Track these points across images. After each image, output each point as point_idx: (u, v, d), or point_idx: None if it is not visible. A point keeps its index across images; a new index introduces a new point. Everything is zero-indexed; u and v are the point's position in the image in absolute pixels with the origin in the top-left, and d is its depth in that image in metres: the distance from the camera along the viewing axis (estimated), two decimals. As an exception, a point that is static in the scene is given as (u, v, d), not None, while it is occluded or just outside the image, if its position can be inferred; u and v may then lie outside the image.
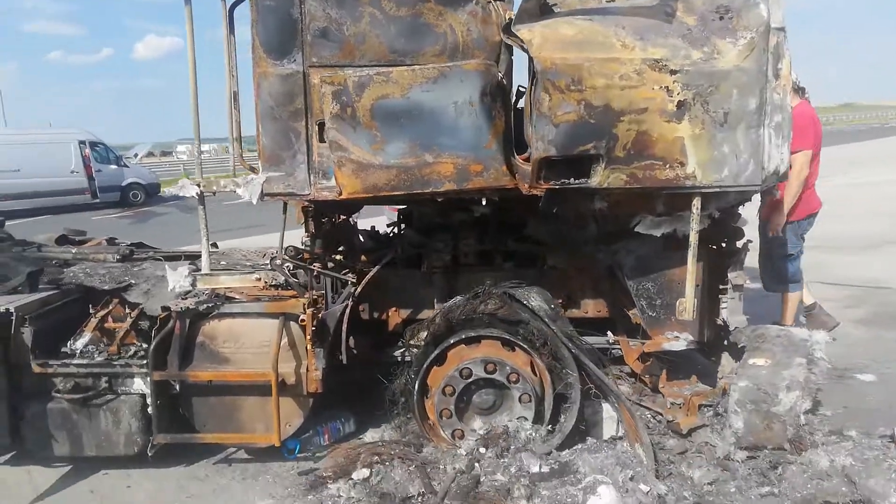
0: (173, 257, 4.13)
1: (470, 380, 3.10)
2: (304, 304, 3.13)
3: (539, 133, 2.70)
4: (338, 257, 3.96)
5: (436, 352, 3.14)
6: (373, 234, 4.27)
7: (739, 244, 3.59)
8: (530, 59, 2.69)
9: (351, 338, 3.73)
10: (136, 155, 28.03)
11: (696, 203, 2.95)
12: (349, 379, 3.55)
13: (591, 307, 3.79)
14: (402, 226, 3.99)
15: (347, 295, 3.36)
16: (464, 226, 3.74)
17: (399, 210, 4.03)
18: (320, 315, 3.17)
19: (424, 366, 3.15)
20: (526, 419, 3.10)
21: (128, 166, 18.51)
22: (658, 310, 3.42)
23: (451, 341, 3.14)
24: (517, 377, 3.08)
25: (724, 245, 3.62)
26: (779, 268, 4.55)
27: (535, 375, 3.16)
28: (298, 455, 3.35)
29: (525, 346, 3.12)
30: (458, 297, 3.31)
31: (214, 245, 4.58)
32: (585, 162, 2.77)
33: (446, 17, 2.87)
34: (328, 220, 3.81)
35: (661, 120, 2.75)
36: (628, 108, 2.71)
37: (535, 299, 3.22)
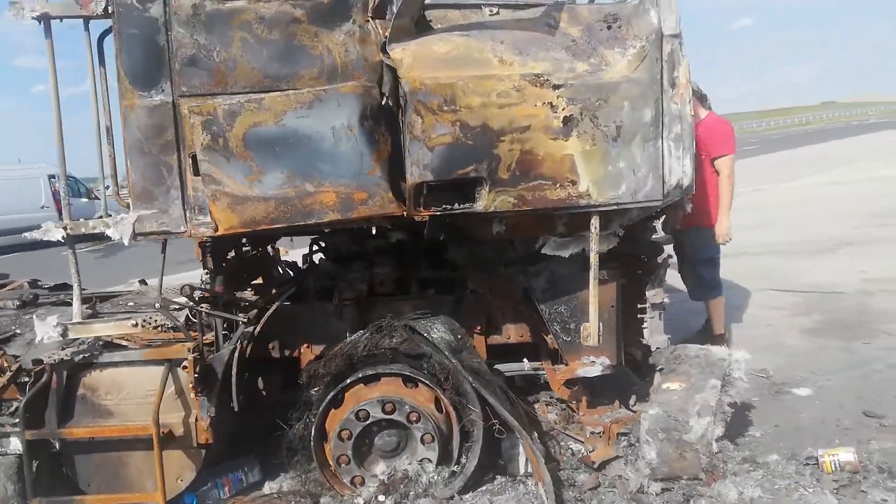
0: (86, 299, 3.91)
1: (367, 422, 2.89)
2: (189, 349, 2.92)
3: (413, 158, 2.53)
4: (248, 293, 3.77)
5: (332, 393, 2.94)
6: (292, 265, 4.08)
7: (659, 259, 3.46)
8: (399, 81, 2.53)
9: (260, 379, 3.52)
10: (107, 187, 27.57)
11: (595, 222, 2.80)
12: (259, 424, 3.34)
13: (514, 332, 3.60)
14: (316, 255, 3.81)
15: (241, 335, 3.15)
16: (379, 253, 3.56)
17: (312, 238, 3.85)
18: (207, 359, 2.96)
19: (321, 408, 2.94)
20: (429, 461, 2.90)
21: (98, 198, 18.10)
22: (573, 334, 3.24)
23: (348, 381, 2.94)
24: (418, 416, 2.89)
25: (642, 261, 3.49)
26: (706, 275, 4.44)
27: (442, 413, 2.97)
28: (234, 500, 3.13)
29: (428, 382, 2.94)
30: (361, 332, 3.13)
31: (143, 282, 4.37)
32: (468, 185, 2.61)
33: (322, 38, 2.70)
34: (235, 253, 3.63)
35: (546, 138, 2.60)
36: (509, 126, 2.55)
37: (437, 331, 3.04)
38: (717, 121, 4.41)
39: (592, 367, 3.19)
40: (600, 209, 2.75)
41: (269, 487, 3.15)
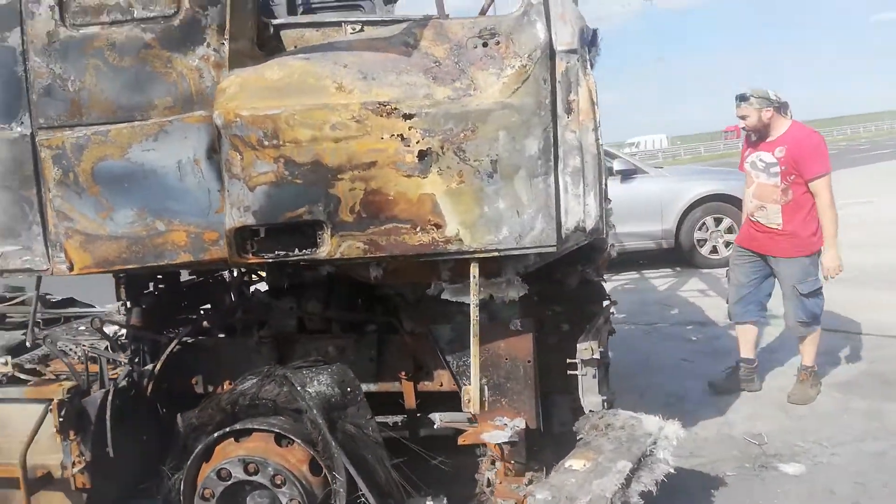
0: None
1: (229, 482, 2.64)
2: (64, 389, 2.79)
3: (233, 199, 2.24)
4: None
5: (200, 445, 2.71)
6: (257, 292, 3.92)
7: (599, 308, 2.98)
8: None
9: (179, 416, 3.37)
10: None
11: (474, 270, 2.40)
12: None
13: (445, 379, 3.23)
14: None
15: (128, 375, 2.99)
16: (311, 287, 3.30)
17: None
18: (79, 401, 2.82)
19: (190, 461, 2.72)
20: (295, 528, 2.60)
21: None
22: (485, 391, 2.83)
23: (215, 435, 2.70)
24: (283, 479, 2.60)
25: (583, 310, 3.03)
26: (810, 309, 3.94)
27: (319, 476, 2.66)
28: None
29: (301, 442, 2.64)
30: (251, 377, 2.88)
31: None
32: (307, 229, 2.28)
33: (175, 64, 2.47)
34: (161, 284, 3.50)
35: (398, 175, 2.23)
36: (348, 163, 2.20)
37: (320, 382, 2.73)
38: (805, 133, 3.96)
39: (501, 431, 2.76)
40: (476, 256, 2.35)
41: (147, 540, 2.97)
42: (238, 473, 2.62)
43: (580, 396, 2.89)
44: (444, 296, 2.73)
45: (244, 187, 2.22)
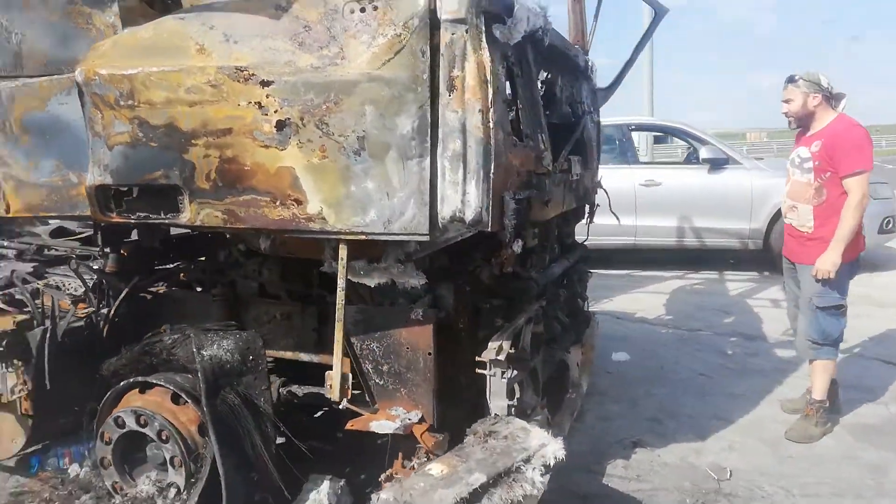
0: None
1: (124, 430, 2.74)
2: (15, 321, 3.02)
3: (95, 157, 2.25)
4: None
5: (109, 393, 2.83)
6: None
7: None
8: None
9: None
10: None
11: (342, 252, 2.27)
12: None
13: None
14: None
15: (79, 316, 3.17)
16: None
17: None
18: (26, 334, 3.03)
19: (101, 405, 2.85)
20: (176, 486, 2.66)
21: None
22: (385, 378, 2.72)
23: (121, 384, 2.80)
24: (168, 436, 2.65)
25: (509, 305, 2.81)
26: (825, 324, 3.47)
27: (206, 437, 2.69)
28: (41, 473, 3.28)
29: (192, 403, 2.68)
30: (170, 332, 2.96)
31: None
32: (170, 193, 2.26)
33: (94, 20, 2.52)
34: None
35: (255, 145, 2.14)
36: (202, 129, 2.14)
37: (220, 346, 2.73)
38: (847, 126, 3.43)
39: (391, 421, 2.64)
40: (343, 237, 2.22)
41: (73, 470, 3.17)
42: (131, 423, 2.72)
43: (487, 398, 2.70)
44: (350, 276, 2.62)
45: (104, 146, 2.24)
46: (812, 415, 3.48)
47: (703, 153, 7.67)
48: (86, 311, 3.21)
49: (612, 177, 7.86)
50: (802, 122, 3.56)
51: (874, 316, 5.77)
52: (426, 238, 2.19)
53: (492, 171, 2.16)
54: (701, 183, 7.69)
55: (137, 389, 2.80)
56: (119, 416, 2.74)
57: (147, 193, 2.28)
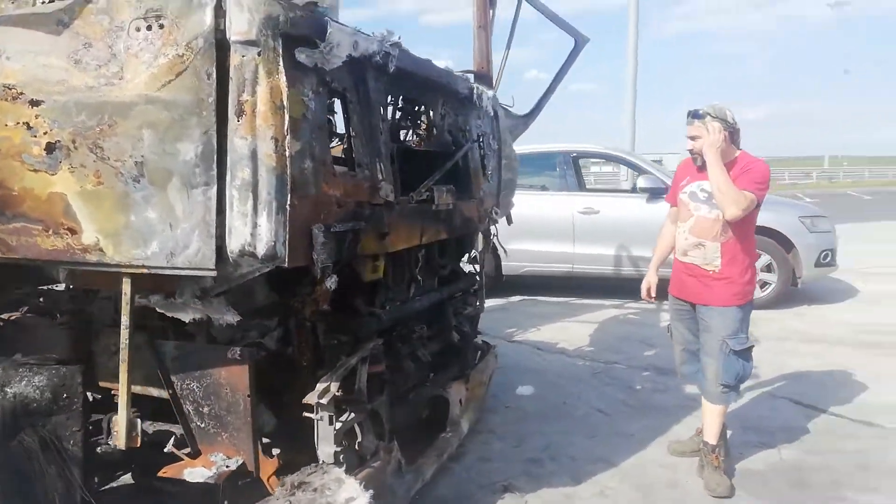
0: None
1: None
2: None
3: None
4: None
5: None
6: None
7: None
8: None
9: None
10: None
11: (126, 287, 2.10)
12: None
13: None
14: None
15: None
16: None
17: None
18: None
19: None
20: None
21: None
22: (206, 420, 2.54)
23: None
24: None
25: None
26: (739, 367, 3.30)
27: None
28: None
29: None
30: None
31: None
32: None
33: None
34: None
35: (22, 168, 1.99)
36: None
37: (30, 382, 2.53)
38: (754, 160, 3.29)
39: (206, 469, 2.46)
40: (123, 270, 2.06)
41: None
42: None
43: (315, 443, 2.53)
44: (159, 308, 2.45)
45: None
46: (712, 462, 3.32)
47: (641, 182, 7.60)
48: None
49: (551, 204, 7.83)
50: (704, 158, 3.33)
51: (799, 352, 5.66)
52: (213, 273, 2.03)
53: (288, 202, 2.01)
54: (639, 212, 7.59)
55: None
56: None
57: None
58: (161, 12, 1.96)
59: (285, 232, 2.02)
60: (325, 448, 2.51)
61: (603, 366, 5.36)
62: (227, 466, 2.47)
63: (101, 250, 2.02)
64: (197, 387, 2.53)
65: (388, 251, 2.64)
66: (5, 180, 2.00)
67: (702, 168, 3.33)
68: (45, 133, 1.95)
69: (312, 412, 2.50)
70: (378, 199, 2.52)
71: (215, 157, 1.95)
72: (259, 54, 1.95)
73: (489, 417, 4.21)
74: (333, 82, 2.29)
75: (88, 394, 2.72)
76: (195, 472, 2.46)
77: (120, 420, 2.20)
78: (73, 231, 2.01)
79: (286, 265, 2.08)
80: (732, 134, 3.26)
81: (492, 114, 3.94)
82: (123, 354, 2.15)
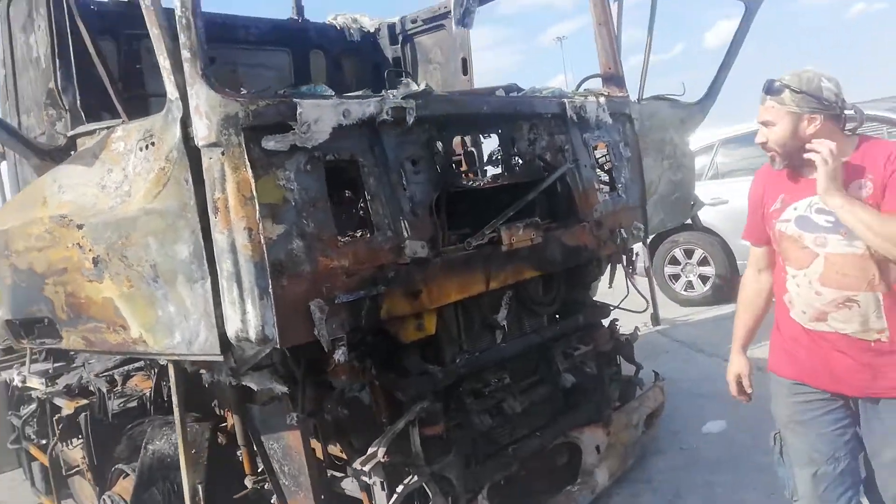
0: None
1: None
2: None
3: (2, 296, 2.69)
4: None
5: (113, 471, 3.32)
6: None
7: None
8: None
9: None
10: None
11: (171, 370, 2.40)
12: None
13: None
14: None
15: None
16: None
17: None
18: None
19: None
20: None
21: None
22: (286, 477, 2.75)
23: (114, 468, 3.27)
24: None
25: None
26: None
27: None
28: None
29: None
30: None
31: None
32: (51, 322, 2.60)
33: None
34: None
35: (83, 280, 2.38)
36: (49, 269, 2.45)
37: (167, 440, 3.04)
38: (879, 150, 2.06)
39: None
40: (163, 357, 2.35)
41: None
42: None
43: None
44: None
45: (3, 286, 2.69)
46: None
47: None
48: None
49: None
50: (792, 159, 2.14)
51: None
52: (219, 358, 2.21)
53: (269, 286, 2.10)
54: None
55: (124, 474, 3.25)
56: (104, 498, 3.20)
57: (35, 324, 2.68)
58: (152, 131, 2.21)
59: (272, 314, 2.11)
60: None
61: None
62: (306, 525, 2.65)
63: (144, 342, 2.34)
64: (277, 447, 2.76)
65: (427, 309, 2.56)
66: (76, 291, 2.45)
67: (797, 171, 2.17)
68: (90, 250, 2.34)
69: (368, 478, 2.55)
70: (404, 258, 2.47)
71: (204, 253, 2.13)
72: (223, 153, 2.08)
73: (653, 462, 3.76)
74: (329, 154, 2.32)
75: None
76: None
77: (184, 485, 2.50)
78: (124, 327, 2.37)
79: (278, 346, 2.17)
80: (838, 116, 2.08)
81: (609, 121, 3.54)
82: (178, 429, 2.45)
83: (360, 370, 2.57)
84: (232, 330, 2.14)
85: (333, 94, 2.41)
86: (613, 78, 3.82)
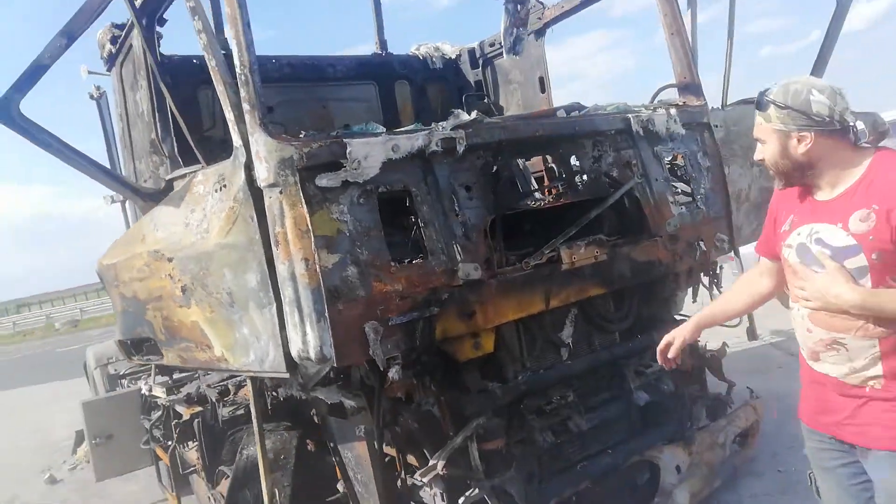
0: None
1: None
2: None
3: (116, 321, 3.07)
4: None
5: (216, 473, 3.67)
6: None
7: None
8: None
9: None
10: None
11: (249, 384, 2.66)
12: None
13: None
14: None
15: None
16: None
17: None
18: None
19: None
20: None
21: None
22: (360, 485, 2.93)
23: (217, 471, 3.61)
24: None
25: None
26: None
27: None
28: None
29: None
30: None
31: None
32: (153, 342, 2.95)
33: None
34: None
35: (175, 306, 2.70)
36: (149, 297, 2.78)
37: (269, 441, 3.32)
38: (886, 161, 1.86)
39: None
40: (241, 374, 2.62)
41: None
42: (213, 506, 3.51)
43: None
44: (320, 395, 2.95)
45: (117, 313, 3.08)
46: None
47: None
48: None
49: None
50: (791, 179, 1.99)
51: None
52: (285, 375, 2.43)
53: (325, 310, 2.29)
54: None
55: (225, 475, 3.60)
56: (209, 496, 3.55)
57: (142, 343, 3.05)
58: (224, 175, 2.49)
59: (329, 336, 2.30)
60: (442, 523, 2.64)
61: None
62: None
63: (226, 360, 2.61)
64: (351, 456, 2.96)
65: (483, 328, 2.65)
66: (170, 315, 2.78)
67: (806, 190, 1.99)
68: (178, 280, 2.66)
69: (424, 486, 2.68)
70: (457, 280, 2.58)
71: (269, 281, 2.37)
72: (281, 192, 2.30)
73: (747, 484, 3.61)
74: (382, 187, 2.49)
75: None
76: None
77: (263, 487, 2.75)
78: (209, 346, 2.66)
79: (336, 364, 2.35)
80: (835, 133, 1.85)
81: (682, 132, 3.47)
82: (257, 437, 2.70)
83: (420, 387, 2.71)
84: (294, 350, 2.35)
85: (384, 130, 2.58)
86: (689, 87, 3.73)
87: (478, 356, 2.72)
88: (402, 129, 2.62)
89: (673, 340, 2.34)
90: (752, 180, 3.96)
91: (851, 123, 1.85)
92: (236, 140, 2.37)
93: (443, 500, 2.63)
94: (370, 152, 2.42)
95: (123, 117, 3.57)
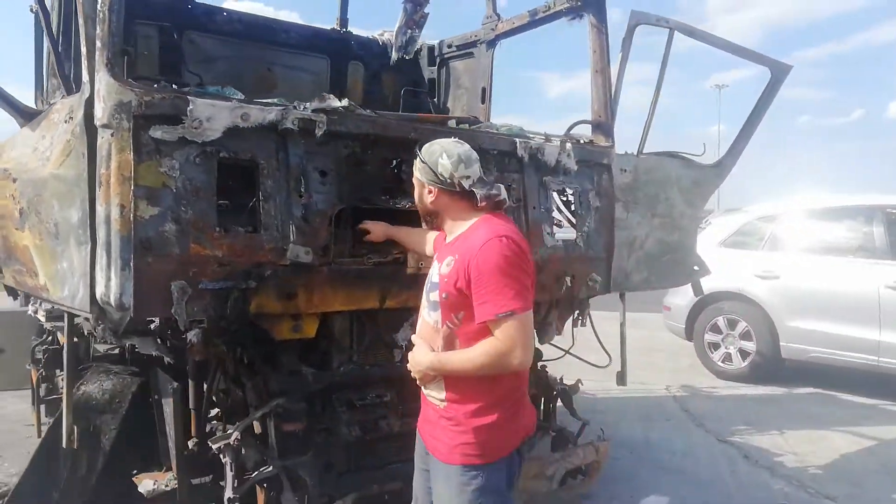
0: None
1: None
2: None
3: None
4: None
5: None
6: None
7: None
8: None
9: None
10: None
11: (66, 318, 2.68)
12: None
13: None
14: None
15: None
16: None
17: None
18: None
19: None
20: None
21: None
22: (170, 441, 2.96)
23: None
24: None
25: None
26: None
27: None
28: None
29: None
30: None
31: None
32: None
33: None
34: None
35: (12, 227, 2.73)
36: None
37: (99, 386, 3.35)
38: (486, 235, 2.07)
39: (150, 481, 2.87)
40: (59, 307, 2.64)
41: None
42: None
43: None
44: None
45: None
46: None
47: None
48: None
49: (849, 274, 5.91)
50: (431, 223, 2.39)
51: None
52: (89, 314, 2.45)
53: (131, 260, 2.31)
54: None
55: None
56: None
57: None
58: (73, 108, 2.51)
59: (131, 286, 2.32)
60: (228, 493, 2.66)
61: (808, 498, 3.98)
62: (164, 486, 2.85)
63: (47, 290, 2.64)
64: (167, 412, 2.99)
65: (305, 312, 2.67)
66: (8, 236, 2.80)
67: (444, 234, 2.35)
68: (18, 202, 2.68)
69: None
70: (284, 260, 2.60)
71: (88, 221, 2.39)
72: (112, 135, 2.32)
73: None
74: (224, 152, 2.50)
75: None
76: (144, 484, 2.91)
77: (64, 425, 2.77)
78: (36, 274, 2.68)
79: (132, 315, 2.37)
80: (456, 193, 2.18)
81: (573, 167, 3.46)
82: (66, 374, 2.72)
83: (231, 356, 2.73)
84: (99, 293, 2.37)
85: (242, 97, 2.59)
86: (602, 126, 3.74)
87: (296, 338, 2.74)
88: (265, 101, 2.63)
89: (369, 227, 2.76)
90: (651, 231, 3.97)
91: (468, 188, 2.17)
92: (85, 75, 2.39)
93: (231, 469, 2.65)
94: (214, 115, 2.43)
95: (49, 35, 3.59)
